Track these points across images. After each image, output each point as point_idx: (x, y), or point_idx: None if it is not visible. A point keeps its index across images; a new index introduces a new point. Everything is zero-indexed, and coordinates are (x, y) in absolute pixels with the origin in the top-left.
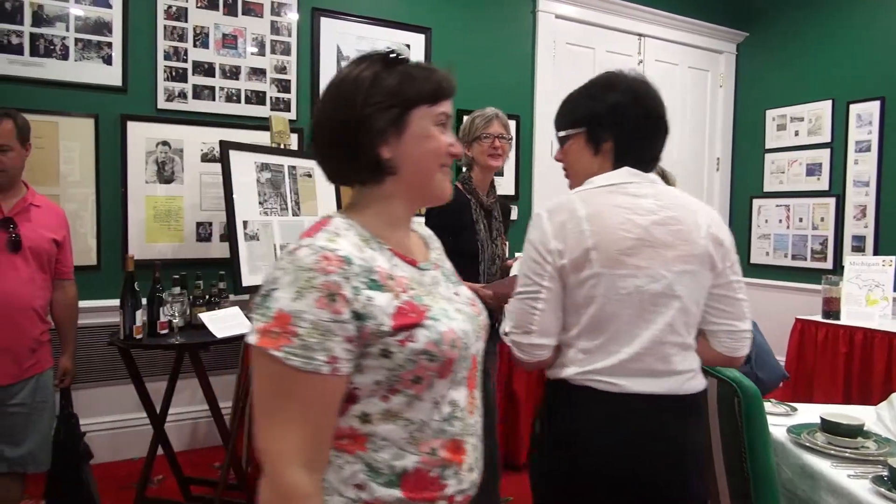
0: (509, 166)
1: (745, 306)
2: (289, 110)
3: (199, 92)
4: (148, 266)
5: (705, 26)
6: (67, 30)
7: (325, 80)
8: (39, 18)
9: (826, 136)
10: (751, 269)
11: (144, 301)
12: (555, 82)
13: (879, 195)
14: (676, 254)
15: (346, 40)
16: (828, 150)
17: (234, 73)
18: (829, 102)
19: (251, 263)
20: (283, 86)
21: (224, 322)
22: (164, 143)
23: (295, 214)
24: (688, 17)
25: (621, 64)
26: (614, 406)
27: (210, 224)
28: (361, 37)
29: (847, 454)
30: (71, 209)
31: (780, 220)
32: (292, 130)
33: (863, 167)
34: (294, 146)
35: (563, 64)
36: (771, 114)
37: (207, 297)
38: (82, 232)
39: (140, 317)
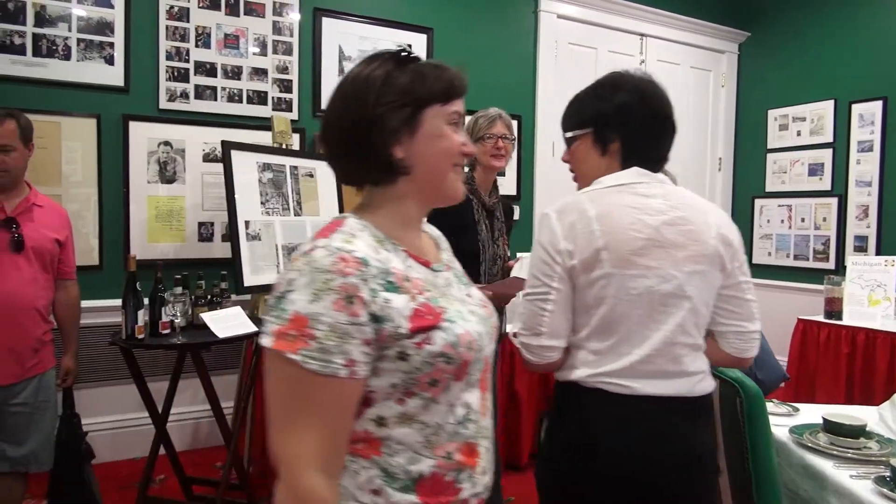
0: (511, 166)
1: (753, 307)
2: (290, 110)
3: (200, 92)
4: (150, 266)
5: (707, 26)
6: (70, 30)
7: (326, 81)
8: (42, 19)
9: (828, 136)
10: (753, 270)
11: (146, 301)
12: (556, 82)
13: (882, 195)
14: (687, 254)
15: (347, 40)
16: (830, 150)
17: (235, 73)
18: (832, 102)
19: (253, 263)
20: (285, 86)
21: (226, 322)
22: (166, 143)
23: (297, 214)
24: (690, 16)
25: (623, 64)
26: (626, 408)
27: (212, 224)
28: (363, 37)
29: (849, 455)
30: (73, 209)
31: (783, 221)
32: (294, 130)
33: (865, 167)
34: (296, 146)
35: (564, 64)
36: (773, 114)
37: (209, 297)
38: (84, 232)
39: (142, 317)
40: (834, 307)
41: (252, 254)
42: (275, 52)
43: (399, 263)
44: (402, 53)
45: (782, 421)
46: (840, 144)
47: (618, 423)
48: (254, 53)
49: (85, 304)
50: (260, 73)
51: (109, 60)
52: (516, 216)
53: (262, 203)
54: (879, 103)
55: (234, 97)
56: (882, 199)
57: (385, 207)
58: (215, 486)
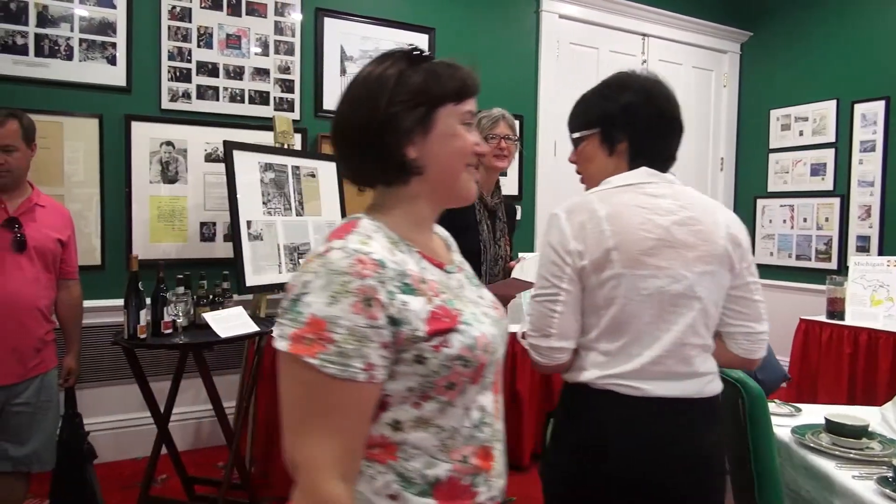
0: (513, 166)
1: (761, 307)
2: (292, 110)
3: (202, 92)
4: (152, 266)
5: (709, 26)
6: (72, 30)
7: (328, 81)
8: (44, 19)
9: (830, 136)
10: None
11: (148, 301)
12: (558, 82)
13: (884, 195)
14: (697, 254)
15: (349, 40)
16: (832, 150)
17: (237, 73)
18: (834, 102)
19: (255, 263)
20: (287, 86)
21: (228, 322)
22: (168, 143)
23: (298, 214)
24: (692, 16)
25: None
26: (636, 410)
27: (214, 224)
28: (365, 37)
29: (852, 455)
30: (75, 209)
31: (785, 221)
32: (296, 130)
33: (867, 167)
34: (297, 146)
35: (566, 64)
36: (775, 113)
37: (211, 296)
38: (87, 232)
39: (144, 316)
40: (836, 307)
41: (254, 254)
42: (277, 52)
43: (414, 265)
44: (415, 52)
45: (784, 421)
46: (842, 144)
47: (628, 424)
48: (256, 53)
49: (87, 303)
50: (262, 73)
51: (111, 60)
52: (518, 216)
53: (263, 203)
54: (882, 103)
55: (235, 97)
56: (884, 200)
57: (398, 208)
58: (217, 485)
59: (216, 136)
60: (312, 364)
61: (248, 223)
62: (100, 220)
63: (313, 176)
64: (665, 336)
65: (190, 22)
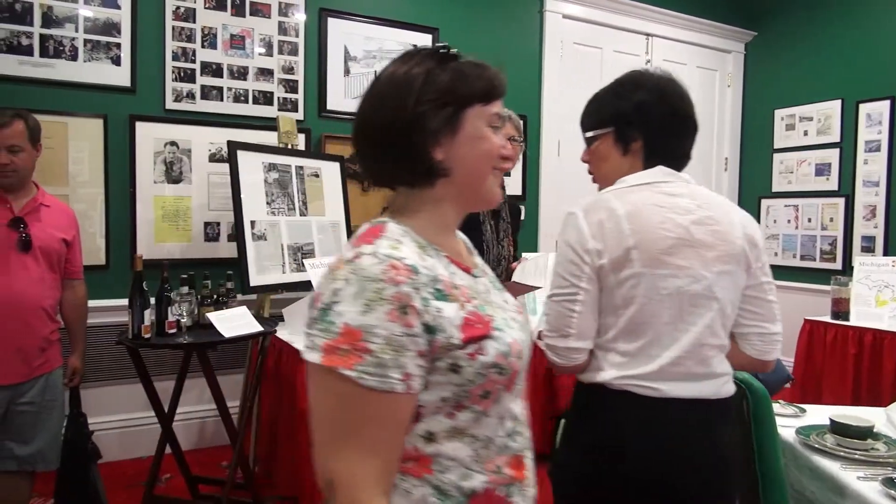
0: (516, 166)
1: (775, 308)
2: (296, 110)
3: (206, 92)
4: (156, 266)
5: (713, 26)
6: (76, 31)
7: (332, 81)
8: (49, 19)
9: (835, 136)
10: None
11: (153, 300)
12: (562, 82)
13: (889, 195)
14: (716, 254)
15: (353, 40)
16: (837, 150)
17: (241, 73)
18: (839, 102)
19: (258, 263)
20: (291, 86)
21: (232, 322)
22: (173, 143)
23: (302, 214)
24: (696, 16)
25: (629, 64)
26: (653, 411)
27: (218, 224)
28: (369, 37)
29: (856, 456)
30: (80, 209)
31: (789, 221)
32: (299, 131)
33: (872, 167)
34: (301, 146)
35: (570, 64)
36: (779, 113)
37: (215, 296)
38: (91, 232)
39: (148, 316)
40: (841, 308)
41: (258, 254)
42: (280, 52)
43: (443, 270)
44: (442, 50)
45: (789, 422)
46: (847, 144)
47: (646, 425)
48: (259, 54)
49: (91, 303)
50: (266, 73)
51: (116, 61)
52: (522, 216)
53: (267, 203)
54: (887, 103)
55: (239, 97)
56: (889, 200)
57: (423, 211)
58: (221, 485)
59: (220, 137)
60: (349, 376)
61: (252, 223)
62: (104, 220)
63: (317, 176)
64: (684, 337)
65: (194, 22)
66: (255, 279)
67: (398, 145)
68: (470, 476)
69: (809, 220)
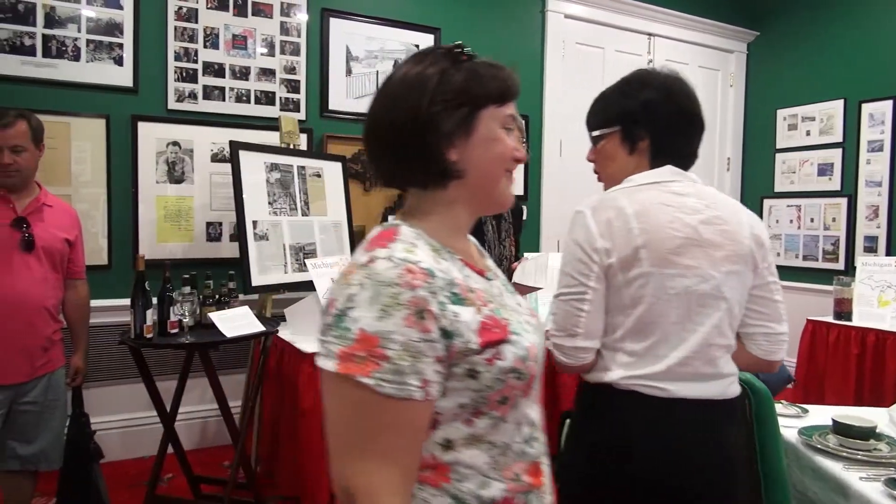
0: (518, 166)
1: (781, 308)
2: (298, 110)
3: (209, 92)
4: (158, 266)
5: (716, 25)
6: (79, 31)
7: (334, 81)
8: (51, 20)
9: (838, 136)
10: None
11: (155, 300)
12: (564, 82)
13: (892, 195)
14: (724, 254)
15: (355, 41)
16: (839, 150)
17: (243, 73)
18: (841, 102)
19: (261, 263)
20: (293, 86)
21: (234, 322)
22: (175, 143)
23: (304, 214)
24: (698, 16)
25: (631, 64)
26: (661, 411)
27: (220, 224)
28: (371, 37)
29: (859, 456)
30: (82, 209)
31: (791, 221)
32: (301, 131)
33: (875, 167)
34: (303, 146)
35: (572, 64)
36: (782, 113)
37: (217, 296)
38: (93, 232)
39: (150, 316)
40: (843, 308)
41: (260, 254)
42: (282, 52)
43: (458, 273)
44: (456, 49)
45: (791, 422)
46: (850, 144)
47: (653, 425)
48: (261, 54)
49: (94, 303)
50: (268, 73)
51: (118, 61)
52: (524, 216)
53: (269, 203)
54: (889, 103)
55: (241, 97)
56: (892, 200)
57: (436, 213)
58: (223, 484)
59: (222, 137)
60: (367, 384)
61: (254, 223)
62: (106, 220)
63: (319, 176)
64: (692, 337)
65: (196, 23)
66: (257, 279)
67: (412, 146)
68: (488, 484)
69: (812, 220)
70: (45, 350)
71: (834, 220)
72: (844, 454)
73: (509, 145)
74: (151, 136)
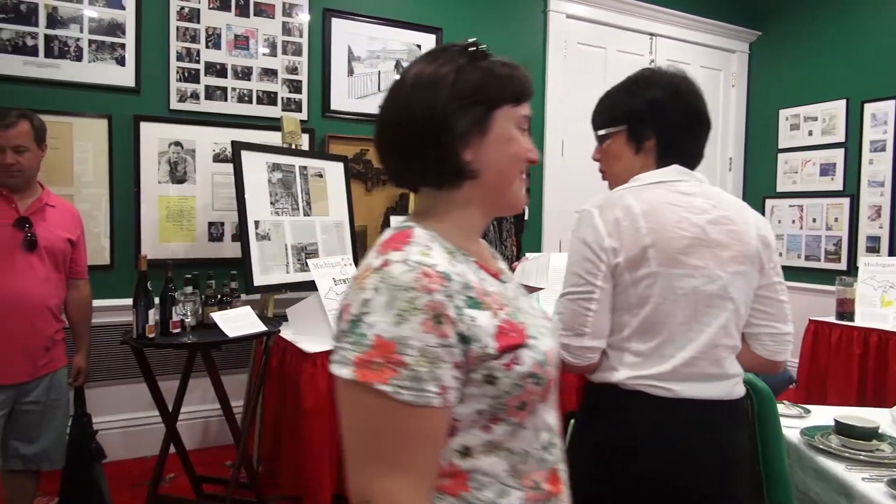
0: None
1: (787, 308)
2: (300, 111)
3: (211, 93)
4: (160, 266)
5: (718, 25)
6: (81, 31)
7: (336, 81)
8: (54, 20)
9: (840, 136)
10: None
11: (157, 300)
12: (566, 82)
13: (895, 195)
14: (731, 254)
15: (357, 41)
16: (842, 150)
17: (245, 73)
18: (843, 102)
19: (262, 263)
20: (295, 86)
21: (235, 321)
22: (177, 143)
23: (306, 214)
24: (700, 16)
25: (633, 64)
26: (666, 411)
27: (222, 224)
28: (372, 37)
29: (861, 457)
30: (84, 209)
31: (794, 221)
32: (303, 131)
33: (878, 167)
34: (305, 146)
35: (574, 64)
36: (784, 113)
37: (219, 296)
38: (96, 232)
39: (153, 316)
40: (846, 308)
41: (262, 254)
42: (284, 52)
43: (473, 276)
44: (471, 48)
45: (794, 423)
46: (852, 144)
47: (658, 426)
48: (263, 54)
49: (96, 303)
50: (270, 73)
51: (120, 61)
52: (526, 216)
53: (271, 203)
54: (892, 102)
55: (244, 98)
56: (895, 200)
57: (451, 214)
58: (225, 484)
59: (224, 137)
60: (384, 391)
61: (256, 223)
62: (109, 220)
63: (321, 176)
64: (699, 337)
65: (198, 23)
66: (259, 279)
67: (426, 146)
68: (507, 493)
69: (814, 220)
70: (48, 350)
71: (836, 220)
72: (847, 455)
73: (524, 146)
74: (153, 137)
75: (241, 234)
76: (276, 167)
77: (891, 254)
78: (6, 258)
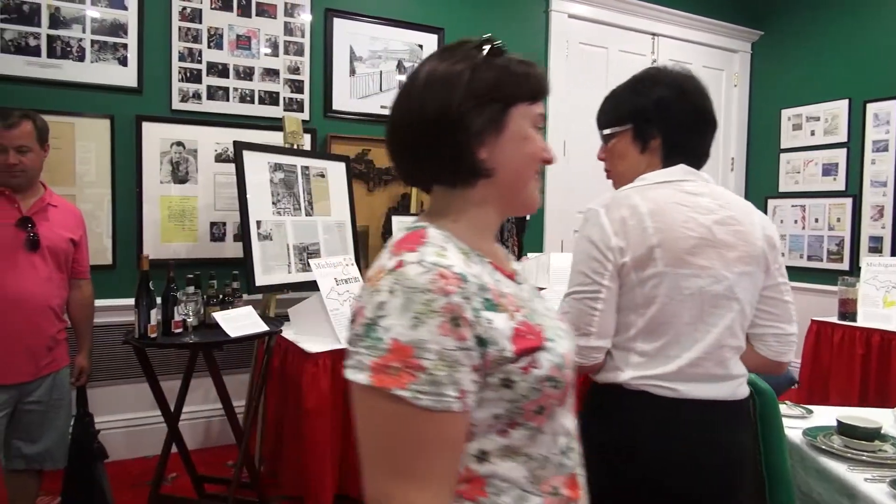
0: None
1: (791, 309)
2: (302, 111)
3: (213, 93)
4: (162, 265)
5: (720, 25)
6: (84, 31)
7: (338, 81)
8: (56, 20)
9: (842, 136)
10: None
11: (159, 300)
12: (568, 82)
13: None
14: (737, 255)
15: (358, 41)
16: (844, 150)
17: (247, 73)
18: (846, 102)
19: (264, 263)
20: (297, 86)
21: (237, 321)
22: (179, 143)
23: (308, 214)
24: (702, 16)
25: (635, 64)
26: (670, 412)
27: (224, 224)
28: (374, 37)
29: (864, 458)
30: (87, 209)
31: (796, 221)
32: (305, 131)
33: (880, 167)
34: (307, 146)
35: (575, 64)
36: (786, 113)
37: (221, 296)
38: (98, 232)
39: (154, 316)
40: (848, 308)
41: (263, 254)
42: (286, 52)
43: (489, 278)
44: (485, 45)
45: (796, 423)
46: (854, 144)
47: (663, 426)
48: (265, 54)
49: (98, 303)
50: (271, 73)
51: (123, 62)
52: (528, 216)
53: (273, 203)
54: (894, 102)
55: (245, 98)
56: None
57: (466, 213)
58: (227, 484)
59: (226, 137)
60: (403, 397)
61: (258, 223)
62: (111, 220)
63: (322, 176)
64: (705, 337)
65: (200, 23)
66: (261, 279)
67: (441, 144)
68: (526, 499)
69: (816, 220)
70: (50, 349)
71: (839, 220)
72: (849, 455)
73: (539, 145)
74: (155, 137)
75: (243, 234)
76: (277, 167)
77: (893, 254)
78: (9, 258)
